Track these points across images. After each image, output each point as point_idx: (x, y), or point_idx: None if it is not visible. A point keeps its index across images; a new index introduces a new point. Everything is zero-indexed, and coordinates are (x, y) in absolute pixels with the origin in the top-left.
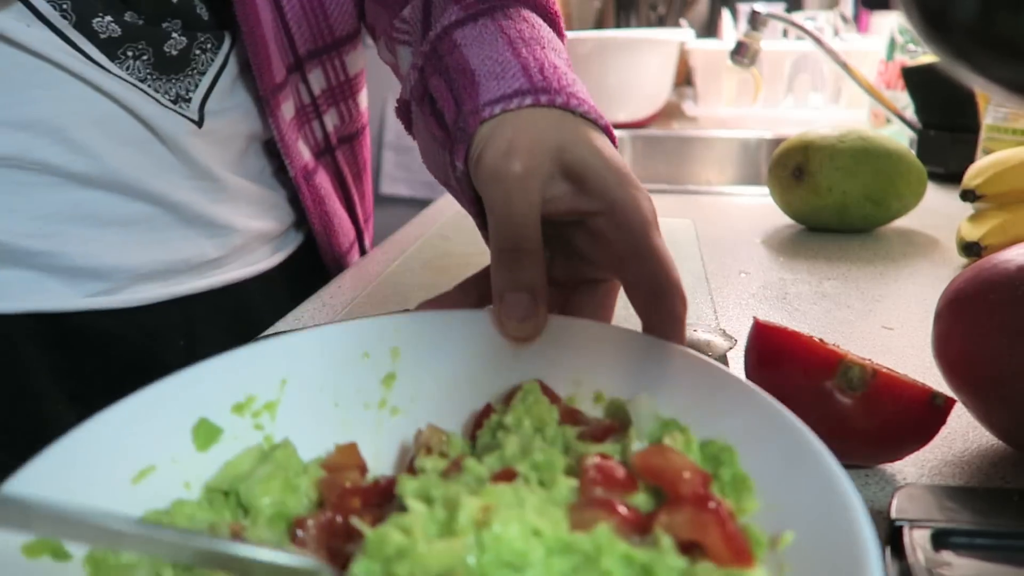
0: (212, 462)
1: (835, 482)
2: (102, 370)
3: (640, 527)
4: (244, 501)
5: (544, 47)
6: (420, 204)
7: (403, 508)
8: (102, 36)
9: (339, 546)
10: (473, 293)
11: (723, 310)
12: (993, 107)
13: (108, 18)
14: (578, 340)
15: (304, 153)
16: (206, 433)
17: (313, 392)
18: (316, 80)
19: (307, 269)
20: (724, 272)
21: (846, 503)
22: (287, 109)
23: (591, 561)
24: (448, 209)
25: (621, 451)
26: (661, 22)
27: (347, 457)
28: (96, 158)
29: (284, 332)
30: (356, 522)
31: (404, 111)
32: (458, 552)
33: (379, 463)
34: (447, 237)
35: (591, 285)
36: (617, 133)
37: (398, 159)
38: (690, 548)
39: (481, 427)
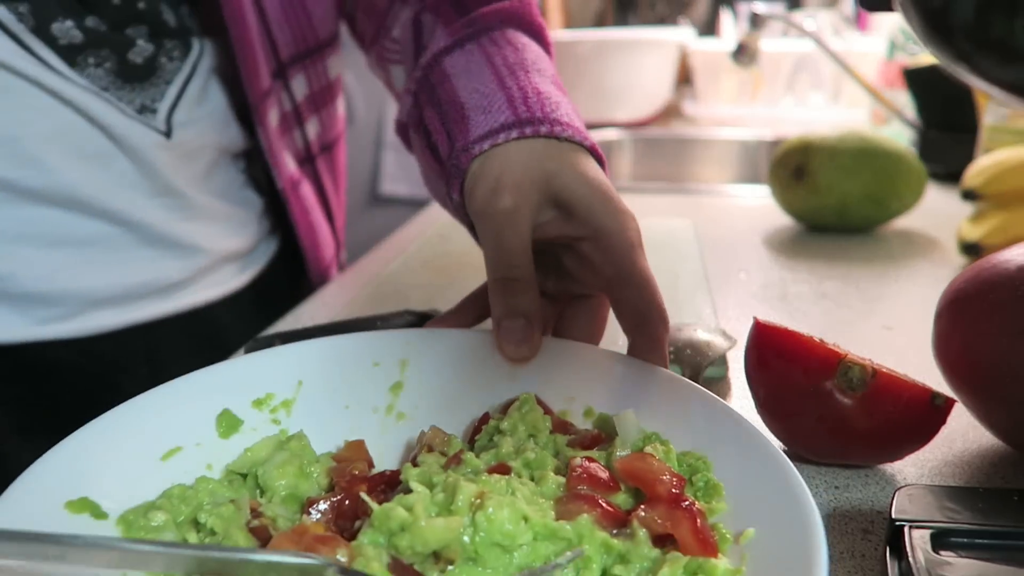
0: (233, 448)
1: (795, 489)
2: (55, 402)
3: (619, 521)
4: (261, 483)
5: (528, 71)
6: (420, 204)
7: (407, 493)
8: (62, 42)
9: (346, 525)
10: (472, 312)
11: (723, 310)
12: (993, 107)
13: (69, 23)
14: (572, 360)
15: (290, 163)
16: (228, 423)
17: (327, 394)
18: (299, 86)
19: (277, 287)
20: (724, 272)
21: (803, 506)
22: (272, 117)
23: (573, 547)
24: None
25: (606, 457)
26: (661, 22)
27: (355, 452)
28: (50, 172)
29: (303, 340)
30: (364, 497)
31: (403, 132)
32: (455, 529)
33: (384, 461)
34: (447, 237)
35: (583, 299)
36: (617, 133)
37: (398, 159)
38: (663, 541)
39: (480, 432)
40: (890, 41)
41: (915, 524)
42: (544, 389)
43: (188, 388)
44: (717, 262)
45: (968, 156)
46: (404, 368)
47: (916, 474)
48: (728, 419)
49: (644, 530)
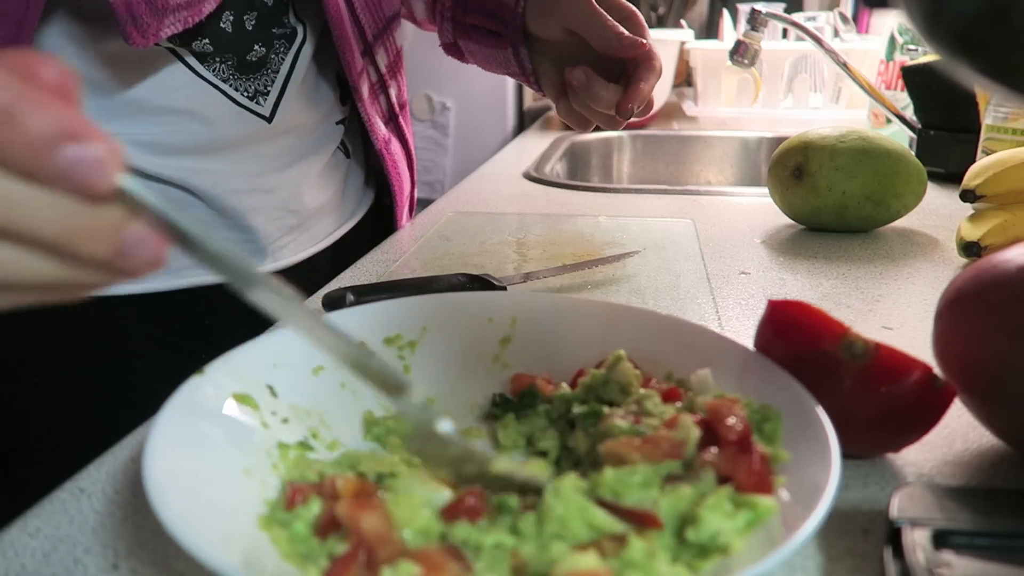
0: None
1: (825, 444)
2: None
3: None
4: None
5: None
6: (420, 204)
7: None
8: (196, 49)
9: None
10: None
11: (724, 310)
12: (993, 107)
13: (205, 40)
14: (659, 330)
15: (380, 126)
16: None
17: (445, 340)
18: (381, 59)
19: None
20: (724, 272)
21: (827, 460)
22: (364, 90)
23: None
24: (448, 209)
25: (687, 407)
26: (661, 22)
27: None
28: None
29: (427, 295)
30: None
31: (452, 49)
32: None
33: (485, 402)
34: (447, 237)
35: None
36: (617, 133)
37: None
38: (728, 481)
39: (581, 377)
40: (890, 41)
41: (915, 524)
42: (632, 352)
43: (335, 322)
44: (717, 262)
45: (968, 156)
46: (515, 325)
47: (916, 474)
48: (781, 380)
49: (711, 471)
